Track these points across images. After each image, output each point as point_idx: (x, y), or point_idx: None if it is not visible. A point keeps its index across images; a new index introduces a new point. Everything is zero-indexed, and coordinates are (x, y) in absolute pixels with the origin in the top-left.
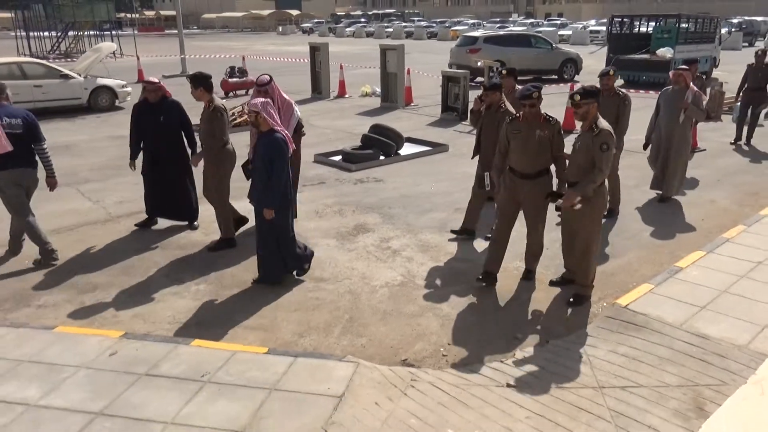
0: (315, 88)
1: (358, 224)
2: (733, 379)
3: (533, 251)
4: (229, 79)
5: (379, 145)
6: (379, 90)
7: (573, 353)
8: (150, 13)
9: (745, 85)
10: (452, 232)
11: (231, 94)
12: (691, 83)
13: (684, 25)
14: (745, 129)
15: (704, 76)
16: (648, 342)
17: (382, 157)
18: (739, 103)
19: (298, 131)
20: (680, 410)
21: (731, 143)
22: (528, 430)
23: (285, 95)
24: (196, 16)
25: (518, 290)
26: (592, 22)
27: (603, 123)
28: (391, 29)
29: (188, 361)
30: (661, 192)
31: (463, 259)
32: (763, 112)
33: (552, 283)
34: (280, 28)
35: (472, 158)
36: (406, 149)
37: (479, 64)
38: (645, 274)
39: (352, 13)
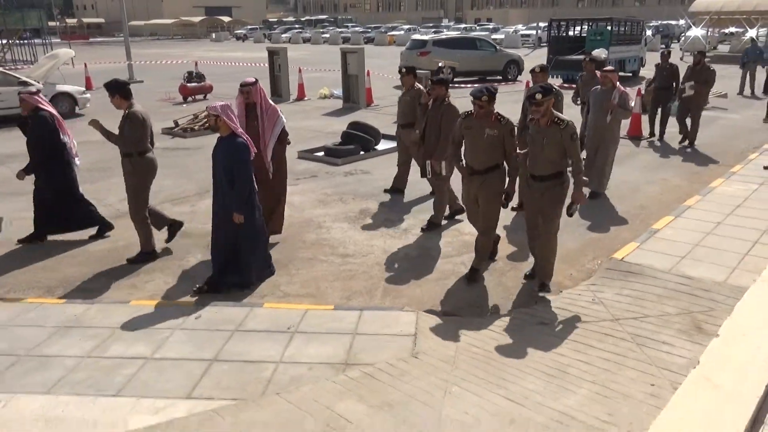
0: (274, 91)
1: (362, 209)
2: (719, 306)
3: (479, 249)
4: (188, 84)
5: (360, 141)
6: (336, 92)
7: (585, 298)
8: (72, 21)
9: (653, 85)
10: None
11: (190, 98)
12: (618, 83)
13: (615, 28)
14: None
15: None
16: (646, 284)
17: (361, 153)
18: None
19: (283, 140)
20: (683, 330)
21: (645, 138)
22: (570, 352)
23: (270, 100)
24: (122, 23)
25: (523, 255)
26: (520, 26)
27: (562, 115)
28: (327, 35)
29: (268, 319)
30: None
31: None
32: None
33: (527, 277)
34: (213, 35)
35: (418, 150)
36: (382, 145)
37: (440, 64)
38: (626, 238)
39: (284, 19)
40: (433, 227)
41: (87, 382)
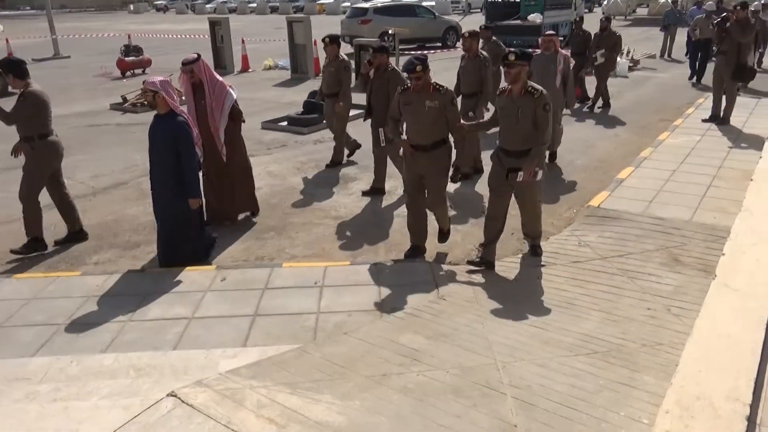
0: (218, 63)
1: (342, 175)
2: (690, 240)
3: (440, 217)
4: (126, 58)
5: (322, 110)
6: (281, 63)
7: (572, 242)
8: None
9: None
10: (363, 194)
11: (128, 73)
12: (560, 48)
13: None
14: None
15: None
16: (623, 227)
17: (324, 122)
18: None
19: (236, 118)
20: (664, 262)
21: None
22: (571, 287)
23: (217, 75)
24: None
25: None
26: None
27: (537, 85)
28: (254, 5)
29: (292, 277)
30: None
31: (451, 193)
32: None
33: (470, 263)
34: (131, 7)
35: (365, 120)
36: None
37: (391, 31)
38: (593, 188)
39: None
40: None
41: (141, 341)
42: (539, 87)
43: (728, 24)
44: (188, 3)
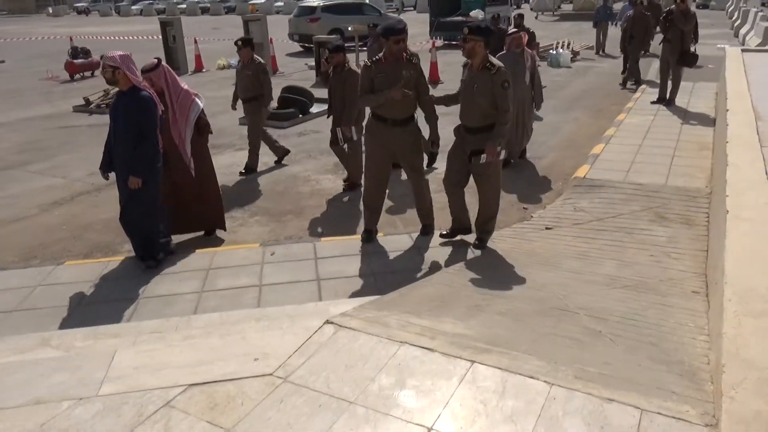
0: (171, 64)
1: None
2: (669, 201)
3: (424, 206)
4: (75, 61)
5: (297, 104)
6: (233, 62)
7: (568, 207)
8: None
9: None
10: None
11: (78, 75)
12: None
13: None
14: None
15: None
16: (610, 193)
17: (300, 116)
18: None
19: (203, 130)
20: (652, 219)
21: None
22: (580, 243)
23: (182, 83)
24: None
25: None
26: None
27: (497, 61)
28: (184, 5)
29: (336, 248)
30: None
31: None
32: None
33: (443, 236)
34: (50, 10)
35: (327, 117)
36: (315, 108)
37: (350, 29)
38: (572, 164)
39: None
40: (355, 188)
41: (222, 307)
42: (498, 63)
43: (671, 16)
44: (112, 5)
